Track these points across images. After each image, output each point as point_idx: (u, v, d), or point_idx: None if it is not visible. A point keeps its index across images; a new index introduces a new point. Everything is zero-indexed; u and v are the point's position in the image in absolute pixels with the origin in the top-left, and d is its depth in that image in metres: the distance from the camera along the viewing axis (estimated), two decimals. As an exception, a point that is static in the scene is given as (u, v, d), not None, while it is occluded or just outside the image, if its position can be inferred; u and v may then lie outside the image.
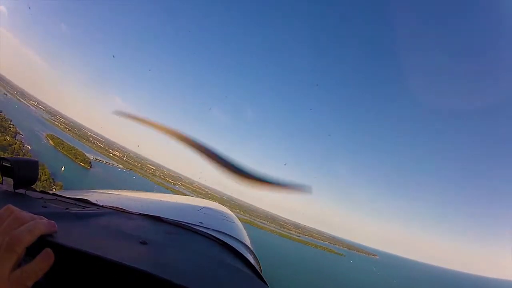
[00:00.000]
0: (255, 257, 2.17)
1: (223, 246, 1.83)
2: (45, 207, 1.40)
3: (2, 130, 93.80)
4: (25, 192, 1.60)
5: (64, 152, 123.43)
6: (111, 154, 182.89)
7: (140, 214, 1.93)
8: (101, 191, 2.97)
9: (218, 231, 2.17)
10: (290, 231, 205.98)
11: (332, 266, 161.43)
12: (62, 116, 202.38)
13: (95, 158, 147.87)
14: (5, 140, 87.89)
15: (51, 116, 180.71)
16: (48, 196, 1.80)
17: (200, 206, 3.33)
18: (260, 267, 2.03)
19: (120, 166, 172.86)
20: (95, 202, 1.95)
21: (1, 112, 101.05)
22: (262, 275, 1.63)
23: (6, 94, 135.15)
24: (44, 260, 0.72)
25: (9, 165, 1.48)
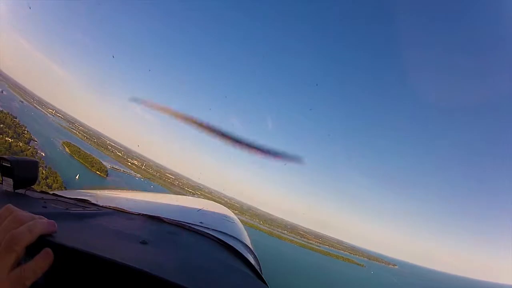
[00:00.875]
0: (255, 257, 2.16)
1: (223, 246, 1.80)
2: (45, 207, 1.38)
3: (15, 136, 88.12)
4: (25, 192, 1.57)
5: (80, 160, 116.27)
6: (129, 163, 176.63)
7: (140, 214, 1.91)
8: (101, 191, 3.04)
9: (218, 231, 2.15)
10: (310, 241, 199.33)
11: (353, 277, 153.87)
12: (81, 125, 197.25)
13: (112, 167, 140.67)
14: (17, 146, 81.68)
15: (69, 124, 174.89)
16: (48, 196, 1.77)
17: (200, 206, 3.36)
18: (260, 267, 2.03)
19: (138, 175, 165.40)
20: (95, 202, 1.93)
21: (15, 119, 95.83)
22: (262, 275, 1.61)
23: (23, 101, 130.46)
24: (43, 260, 0.70)
25: (9, 165, 1.44)
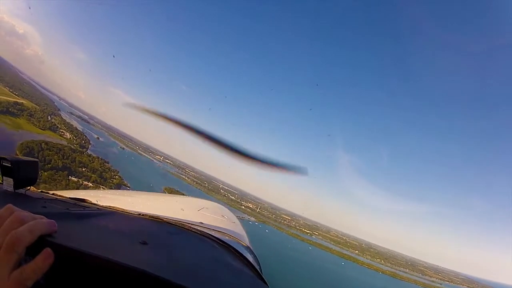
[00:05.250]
0: (255, 257, 2.13)
1: (223, 246, 1.74)
2: (45, 207, 1.33)
3: (99, 180, 70.32)
4: (25, 192, 1.50)
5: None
6: (243, 207, 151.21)
7: (140, 214, 1.85)
8: (102, 191, 3.16)
9: (218, 231, 2.12)
10: (432, 279, 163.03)
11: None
12: (193, 170, 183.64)
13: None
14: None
15: (179, 169, 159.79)
16: (49, 196, 1.71)
17: (200, 206, 3.34)
18: (260, 267, 1.99)
19: (252, 218, 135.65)
20: (96, 202, 1.89)
21: (107, 163, 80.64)
22: (262, 275, 1.57)
23: (124, 148, 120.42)
24: (44, 260, 0.66)
25: (9, 165, 1.39)
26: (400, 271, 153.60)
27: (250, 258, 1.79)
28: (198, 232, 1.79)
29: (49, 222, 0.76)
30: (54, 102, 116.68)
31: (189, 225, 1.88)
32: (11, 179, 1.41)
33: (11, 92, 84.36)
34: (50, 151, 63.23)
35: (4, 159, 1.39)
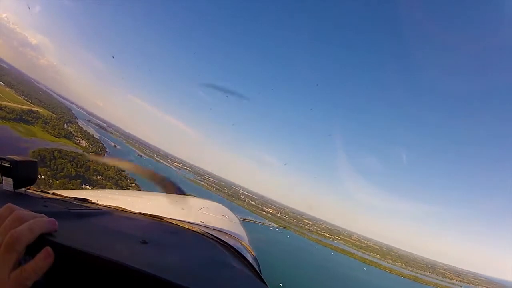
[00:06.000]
0: (254, 257, 2.12)
1: (223, 246, 1.73)
2: (46, 206, 1.32)
3: (115, 188, 67.81)
4: (25, 191, 1.49)
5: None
6: (263, 212, 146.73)
7: (140, 213, 1.84)
8: (102, 190, 3.15)
9: (218, 231, 2.12)
10: (452, 281, 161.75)
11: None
12: (212, 176, 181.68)
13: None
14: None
15: (198, 176, 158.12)
16: (49, 196, 1.69)
17: (200, 206, 3.35)
18: (259, 267, 1.99)
19: (273, 224, 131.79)
20: (96, 201, 1.88)
21: (123, 171, 78.40)
22: (262, 275, 1.57)
23: (141, 156, 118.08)
24: (44, 260, 0.65)
25: (9, 165, 1.38)
26: (421, 274, 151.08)
27: (249, 258, 1.78)
28: (198, 232, 1.78)
29: (49, 220, 0.74)
30: (71, 110, 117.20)
31: (190, 224, 1.87)
32: (11, 179, 1.40)
33: (26, 100, 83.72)
34: (63, 159, 60.80)
35: (3, 159, 1.38)
